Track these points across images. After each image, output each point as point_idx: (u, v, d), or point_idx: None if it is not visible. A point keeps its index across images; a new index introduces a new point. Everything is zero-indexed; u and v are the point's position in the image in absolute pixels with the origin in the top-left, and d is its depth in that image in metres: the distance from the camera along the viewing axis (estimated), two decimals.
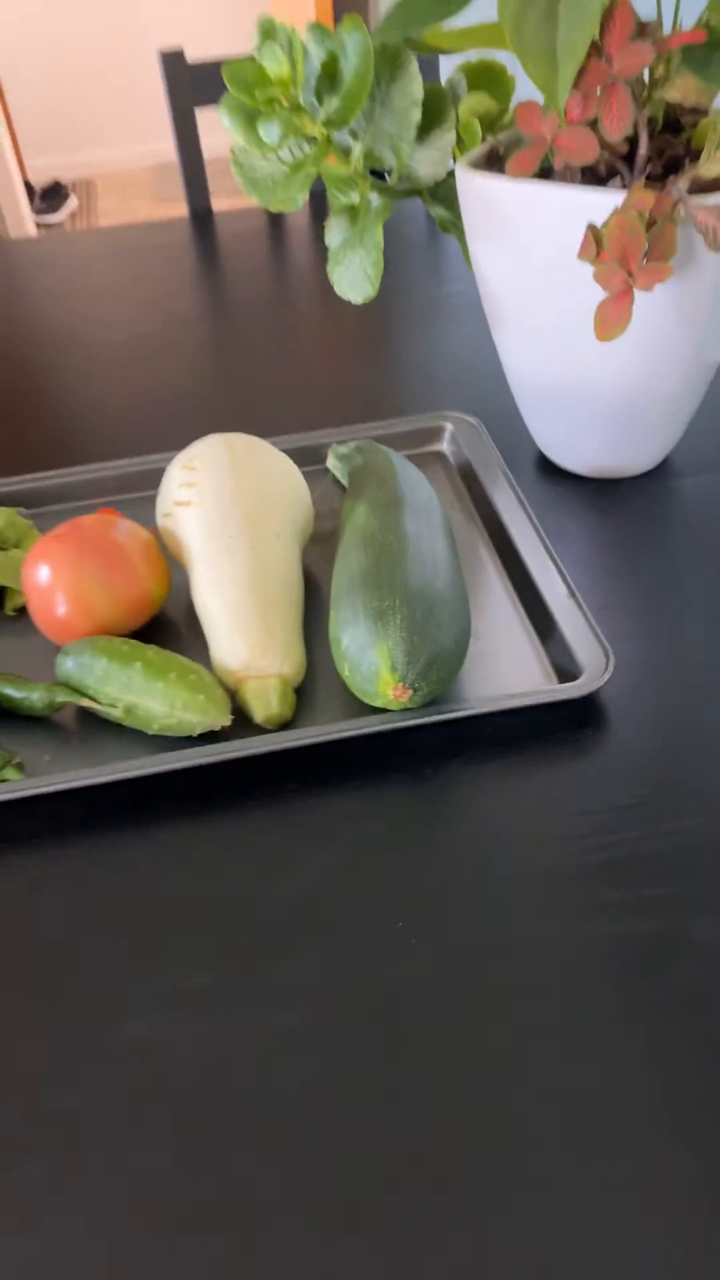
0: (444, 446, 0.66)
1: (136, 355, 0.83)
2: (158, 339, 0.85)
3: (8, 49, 3.54)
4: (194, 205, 1.11)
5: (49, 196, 3.30)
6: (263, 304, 0.90)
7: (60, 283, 0.98)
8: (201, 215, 1.09)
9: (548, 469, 0.64)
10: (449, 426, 0.66)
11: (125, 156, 3.78)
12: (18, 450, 0.71)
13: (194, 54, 3.71)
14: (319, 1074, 0.34)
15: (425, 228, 1.01)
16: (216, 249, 1.02)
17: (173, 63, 1.05)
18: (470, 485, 0.62)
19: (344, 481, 0.60)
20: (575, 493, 0.62)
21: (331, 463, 0.62)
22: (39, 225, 3.20)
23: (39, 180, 3.58)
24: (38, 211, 3.20)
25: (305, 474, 0.64)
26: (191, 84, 1.06)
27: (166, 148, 3.79)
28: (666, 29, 0.49)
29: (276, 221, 1.06)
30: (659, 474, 0.62)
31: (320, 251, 0.99)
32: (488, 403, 0.70)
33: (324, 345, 0.82)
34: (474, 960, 0.37)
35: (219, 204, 1.38)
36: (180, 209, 3.35)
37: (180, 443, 0.69)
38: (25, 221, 2.58)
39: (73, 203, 3.35)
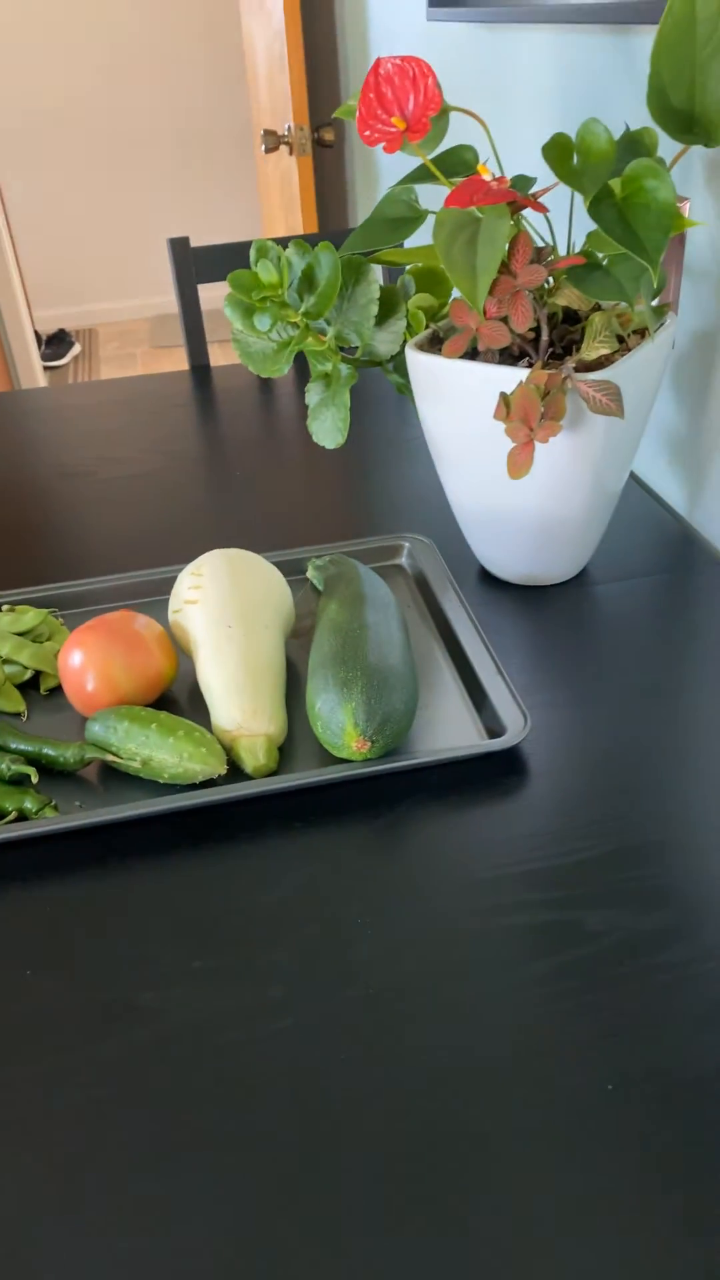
0: (403, 560, 0.80)
1: (145, 487, 0.98)
2: (162, 474, 1.00)
3: (21, 209, 3.90)
4: (193, 361, 1.29)
5: (54, 343, 3.57)
6: (252, 446, 1.05)
7: (75, 425, 1.14)
8: (200, 370, 1.27)
9: (486, 578, 0.78)
10: (406, 544, 0.80)
11: (125, 308, 4.11)
12: (46, 564, 0.84)
13: (187, 229, 4.08)
14: (295, 1028, 0.44)
15: (391, 394, 1.18)
16: (212, 399, 1.19)
17: (179, 247, 1.24)
18: (424, 591, 0.76)
19: (319, 587, 0.74)
20: (508, 598, 0.75)
21: (310, 573, 0.76)
22: (46, 369, 3.46)
23: (45, 328, 3.88)
24: (44, 357, 3.46)
25: (288, 581, 0.77)
26: (193, 263, 1.25)
27: (160, 302, 4.12)
28: (562, 250, 0.65)
29: (265, 379, 1.24)
30: (576, 582, 0.76)
31: (299, 404, 1.16)
32: (438, 527, 0.85)
33: (304, 480, 0.97)
34: (417, 942, 0.48)
35: (212, 352, 1.57)
36: (173, 356, 3.63)
37: (183, 559, 0.84)
38: (34, 365, 2.81)
39: (76, 349, 3.63)
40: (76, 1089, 0.43)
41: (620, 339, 0.66)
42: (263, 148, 2.01)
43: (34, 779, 0.57)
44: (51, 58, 3.70)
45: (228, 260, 1.27)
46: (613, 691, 0.65)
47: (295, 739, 0.61)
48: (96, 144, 3.86)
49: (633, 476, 0.93)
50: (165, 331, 3.91)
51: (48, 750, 0.59)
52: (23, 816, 0.56)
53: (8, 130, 3.77)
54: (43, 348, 3.51)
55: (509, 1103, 0.41)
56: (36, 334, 3.53)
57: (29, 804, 0.56)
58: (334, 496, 0.93)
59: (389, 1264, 0.36)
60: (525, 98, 1.07)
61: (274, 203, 2.32)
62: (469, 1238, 0.37)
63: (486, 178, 0.61)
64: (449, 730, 0.62)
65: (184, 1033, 0.45)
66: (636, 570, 0.77)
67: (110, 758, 0.58)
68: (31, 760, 0.59)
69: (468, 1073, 0.42)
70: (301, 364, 1.27)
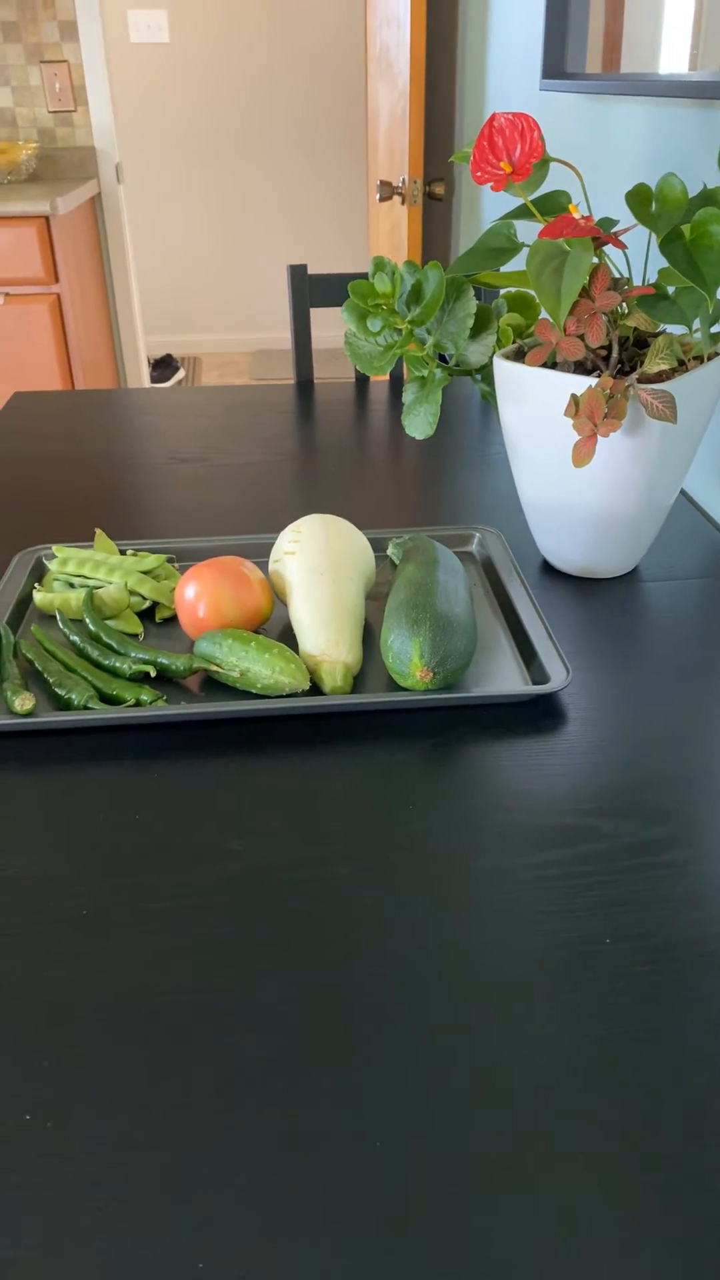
0: (473, 548, 0.90)
1: (248, 474, 1.10)
2: (265, 464, 1.13)
3: (143, 239, 4.17)
4: (300, 376, 1.42)
5: (160, 366, 3.80)
6: (348, 448, 1.17)
7: (186, 422, 1.27)
8: (305, 384, 1.40)
9: (547, 569, 0.87)
10: (477, 534, 0.90)
11: (229, 340, 4.33)
12: (168, 524, 0.97)
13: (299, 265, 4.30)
14: (350, 874, 0.54)
15: (479, 411, 1.30)
16: (314, 408, 1.32)
17: (297, 273, 1.38)
18: (490, 575, 0.86)
19: (397, 562, 0.84)
20: (565, 586, 0.85)
21: (391, 550, 0.86)
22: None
23: (154, 352, 4.12)
24: (151, 379, 3.68)
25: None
26: (307, 287, 1.39)
27: (263, 337, 4.34)
28: (637, 282, 0.76)
29: (361, 393, 1.37)
30: (629, 577, 0.86)
31: (392, 418, 1.28)
32: (506, 522, 0.95)
33: (391, 478, 1.08)
34: (456, 826, 0.57)
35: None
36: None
37: (280, 530, 0.95)
38: (144, 384, 3.00)
39: (180, 373, 3.85)
40: (172, 899, 0.53)
41: (681, 362, 0.76)
42: (377, 196, 2.17)
43: (152, 673, 0.68)
44: (188, 106, 3.98)
45: (338, 288, 1.41)
46: (651, 665, 0.74)
47: (366, 673, 0.72)
48: (218, 187, 4.12)
49: (688, 496, 1.02)
50: (265, 365, 4.11)
51: (162, 659, 0.70)
52: (138, 706, 0.67)
53: (142, 173, 4.05)
54: (150, 369, 3.73)
55: (521, 941, 0.50)
56: (147, 357, 3.76)
57: (144, 696, 0.67)
58: (417, 494, 1.04)
59: (390, 1043, 0.45)
60: (621, 159, 1.19)
61: (382, 247, 2.48)
62: (465, 1036, 0.46)
63: (576, 216, 0.72)
64: (501, 681, 0.71)
65: (262, 869, 0.55)
66: (685, 574, 0.86)
67: (214, 668, 0.69)
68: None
69: (488, 915, 0.51)
70: (396, 384, 1.39)
